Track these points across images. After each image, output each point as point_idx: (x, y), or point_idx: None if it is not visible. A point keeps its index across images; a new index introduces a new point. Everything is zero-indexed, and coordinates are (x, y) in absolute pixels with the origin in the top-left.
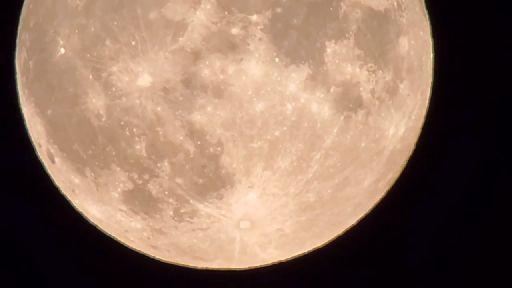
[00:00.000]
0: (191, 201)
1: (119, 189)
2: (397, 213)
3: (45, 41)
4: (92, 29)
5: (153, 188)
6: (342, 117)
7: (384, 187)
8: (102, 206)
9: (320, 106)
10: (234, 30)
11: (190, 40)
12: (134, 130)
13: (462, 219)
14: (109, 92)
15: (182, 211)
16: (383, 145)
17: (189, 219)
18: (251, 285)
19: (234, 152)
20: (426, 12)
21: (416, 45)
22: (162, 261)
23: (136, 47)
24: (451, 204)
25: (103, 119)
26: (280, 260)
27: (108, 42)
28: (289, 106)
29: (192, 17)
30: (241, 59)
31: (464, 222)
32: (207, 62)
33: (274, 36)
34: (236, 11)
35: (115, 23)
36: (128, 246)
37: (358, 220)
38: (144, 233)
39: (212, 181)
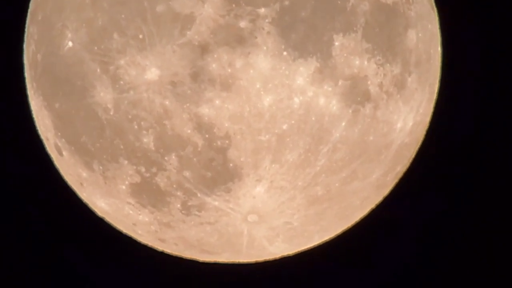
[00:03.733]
0: (199, 195)
1: (127, 182)
2: (405, 206)
3: (53, 35)
4: (100, 22)
5: (160, 181)
6: (350, 111)
7: (392, 180)
8: (110, 199)
9: (328, 100)
10: (242, 24)
11: (197, 33)
12: (142, 123)
13: (470, 213)
14: (117, 86)
15: (189, 204)
16: (391, 138)
17: (196, 213)
18: (259, 278)
19: (242, 145)
20: (434, 5)
21: (424, 38)
22: (170, 254)
23: (143, 41)
24: (459, 198)
25: (111, 113)
26: (288, 254)
27: (115, 35)
28: (296, 100)
29: (200, 10)
30: (249, 53)
31: (472, 216)
32: (215, 56)
33: (282, 29)
34: (243, 4)
35: (123, 16)
36: (136, 239)
37: (365, 213)
38: (151, 226)
39: (220, 174)
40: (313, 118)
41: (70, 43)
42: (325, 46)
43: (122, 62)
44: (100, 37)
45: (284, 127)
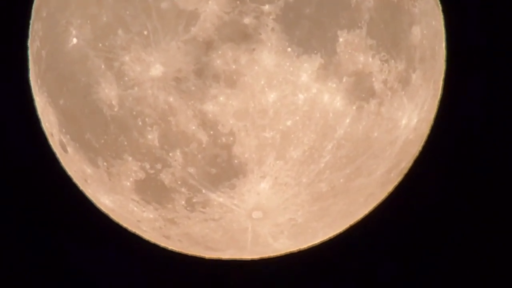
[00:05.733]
0: (204, 191)
1: (131, 179)
2: (409, 203)
3: (58, 31)
4: (104, 18)
5: (165, 177)
6: (354, 107)
7: (396, 177)
8: (114, 195)
9: (332, 96)
10: (247, 20)
11: (202, 29)
12: (146, 120)
13: (475, 210)
14: (121, 82)
15: (194, 200)
16: (396, 135)
17: (201, 209)
18: (263, 275)
19: (247, 142)
20: (438, 1)
21: (428, 34)
22: (174, 251)
23: (148, 37)
24: (463, 195)
25: (115, 109)
26: (292, 250)
27: (120, 31)
28: (301, 96)
29: (204, 7)
30: (254, 49)
31: (476, 213)
32: (219, 52)
33: (286, 26)
34: (248, 1)
35: (127, 12)
36: (141, 235)
37: (370, 210)
38: (156, 223)
39: (224, 170)
40: (318, 115)
41: (75, 40)
42: (330, 42)
43: (126, 58)
44: (104, 33)
45: (289, 123)
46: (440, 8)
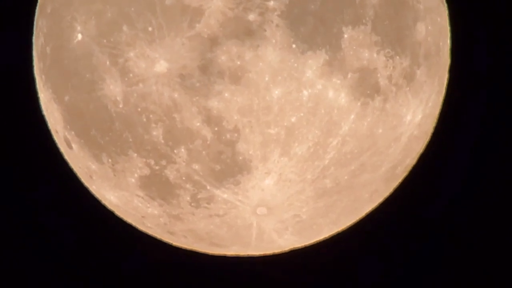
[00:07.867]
0: (208, 187)
1: (136, 175)
2: (414, 199)
3: (62, 27)
4: (109, 14)
5: (170, 174)
6: (359, 104)
7: (401, 173)
8: (119, 192)
9: (337, 93)
10: (251, 16)
11: (207, 26)
12: (151, 116)
13: (479, 207)
14: (126, 78)
15: (199, 196)
16: (400, 131)
17: (206, 205)
18: (267, 271)
19: (251, 138)
20: None
21: (433, 30)
22: (179, 247)
23: (153, 33)
24: (468, 191)
25: (120, 106)
26: (297, 247)
27: (125, 28)
28: (305, 93)
29: (209, 3)
30: (258, 45)
31: (480, 210)
32: (224, 48)
33: (291, 22)
34: None
35: (132, 9)
36: (145, 232)
37: (375, 206)
38: (161, 219)
39: (229, 167)
40: (322, 111)
41: (79, 36)
42: (334, 38)
43: (131, 54)
44: (109, 29)
45: (293, 120)
46: (445, 4)
